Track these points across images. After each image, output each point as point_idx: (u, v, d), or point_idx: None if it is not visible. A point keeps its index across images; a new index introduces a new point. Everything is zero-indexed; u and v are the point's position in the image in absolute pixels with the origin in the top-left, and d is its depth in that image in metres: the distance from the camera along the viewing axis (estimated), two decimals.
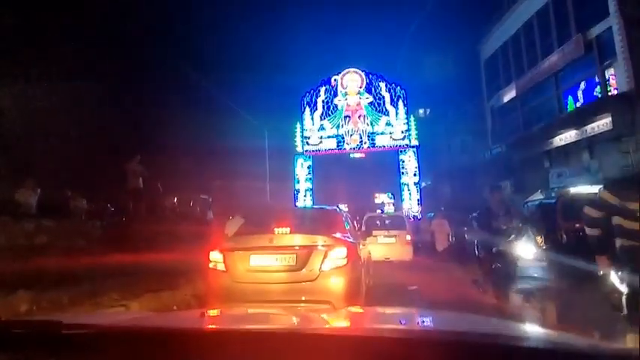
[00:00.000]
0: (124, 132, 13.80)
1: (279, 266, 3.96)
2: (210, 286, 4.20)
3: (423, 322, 1.62)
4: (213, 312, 1.77)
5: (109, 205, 9.63)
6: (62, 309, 3.66)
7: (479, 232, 5.07)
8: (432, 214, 13.92)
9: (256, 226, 4.47)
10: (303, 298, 3.77)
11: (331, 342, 1.05)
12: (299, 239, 4.06)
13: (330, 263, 3.92)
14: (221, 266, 4.04)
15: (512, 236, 4.62)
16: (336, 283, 3.90)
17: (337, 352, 0.98)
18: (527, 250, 5.30)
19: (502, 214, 4.70)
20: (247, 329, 1.25)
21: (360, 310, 2.54)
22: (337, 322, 1.66)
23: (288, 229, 4.24)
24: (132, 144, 11.78)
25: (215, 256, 4.10)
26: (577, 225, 6.46)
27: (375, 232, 10.43)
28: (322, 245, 3.97)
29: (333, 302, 3.72)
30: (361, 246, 5.24)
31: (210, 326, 1.39)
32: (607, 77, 13.91)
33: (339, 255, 3.97)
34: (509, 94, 19.95)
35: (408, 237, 10.86)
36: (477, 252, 6.57)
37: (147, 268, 5.34)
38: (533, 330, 1.63)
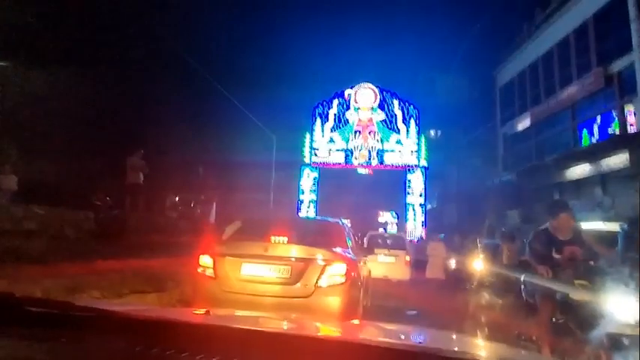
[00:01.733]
0: (138, 134, 13.68)
1: (272, 278, 3.69)
2: (196, 293, 3.93)
3: (420, 338, 1.63)
4: (220, 312, 1.80)
5: (108, 197, 9.47)
6: None
7: (532, 263, 3.71)
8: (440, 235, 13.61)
9: (252, 233, 4.21)
10: (294, 316, 3.46)
11: (323, 346, 1.06)
12: (296, 250, 3.79)
13: (328, 279, 3.64)
14: (210, 272, 3.77)
15: (592, 279, 3.09)
16: (332, 302, 3.61)
17: (328, 356, 0.99)
18: (622, 307, 2.94)
19: (567, 242, 3.46)
20: (250, 328, 1.26)
21: (356, 323, 2.45)
22: (331, 330, 1.66)
23: (285, 239, 3.98)
24: (141, 144, 11.69)
25: (204, 260, 3.83)
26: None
27: (376, 251, 10.54)
28: (320, 259, 3.70)
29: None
30: (361, 263, 4.96)
31: (216, 323, 1.40)
32: (625, 114, 13.64)
33: (337, 271, 3.69)
34: (523, 123, 19.70)
35: (408, 257, 11.13)
36: (524, 294, 4.63)
37: (136, 266, 5.10)
38: None
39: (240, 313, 2.07)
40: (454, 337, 1.72)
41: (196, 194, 13.34)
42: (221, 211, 13.47)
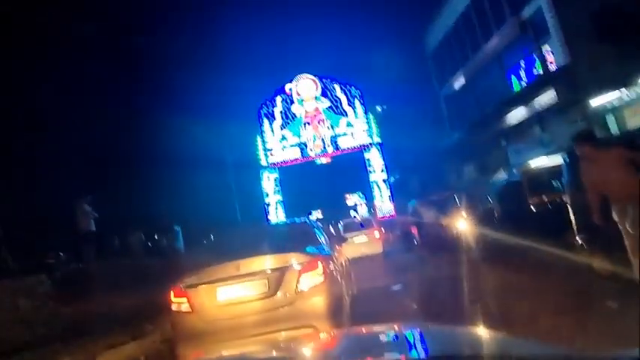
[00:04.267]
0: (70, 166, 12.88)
1: (251, 296, 3.60)
2: (176, 331, 3.74)
3: (414, 344, 1.55)
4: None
5: (60, 253, 8.84)
6: None
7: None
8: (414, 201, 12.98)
9: (220, 254, 4.09)
10: (283, 327, 3.42)
11: None
12: (269, 261, 3.72)
13: (307, 282, 3.60)
14: (185, 307, 3.60)
15: None
16: (316, 303, 3.57)
17: None
18: None
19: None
20: None
21: (344, 333, 2.37)
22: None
23: (255, 252, 3.92)
24: (81, 182, 10.99)
25: (177, 295, 3.67)
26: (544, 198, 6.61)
27: (351, 234, 11.87)
28: (295, 264, 3.67)
29: (316, 325, 3.43)
30: (337, 254, 4.99)
31: None
32: (544, 54, 14.64)
33: (314, 272, 3.67)
34: (459, 81, 20.61)
35: (377, 234, 12.76)
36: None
37: (108, 318, 4.80)
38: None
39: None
40: (452, 331, 1.70)
41: (158, 223, 12.77)
42: (188, 233, 13.02)
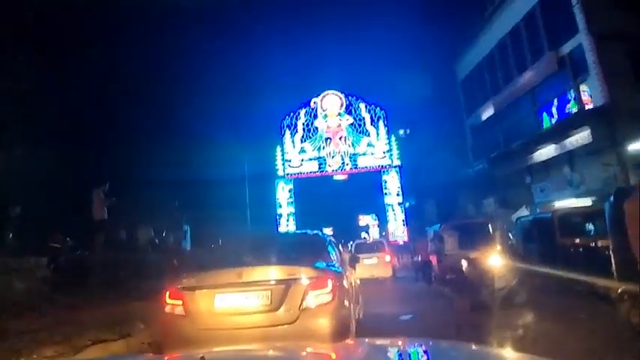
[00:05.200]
0: (91, 159, 13.04)
1: (251, 307, 3.29)
2: (166, 335, 3.44)
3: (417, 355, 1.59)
4: (211, 354, 1.56)
5: (67, 238, 8.71)
6: None
7: None
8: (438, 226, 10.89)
9: (223, 258, 3.80)
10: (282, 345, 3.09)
11: None
12: (274, 272, 3.41)
13: (313, 300, 3.27)
14: (179, 310, 3.33)
15: None
16: (320, 325, 3.23)
17: None
18: None
19: None
20: None
21: (347, 345, 2.29)
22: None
23: (261, 260, 3.62)
24: (100, 173, 11.03)
25: (172, 297, 3.40)
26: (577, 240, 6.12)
27: (361, 256, 10.88)
28: (302, 278, 3.35)
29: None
30: (348, 274, 4.64)
31: None
32: (580, 91, 14.14)
33: (322, 289, 3.33)
34: (487, 112, 20.17)
35: (387, 258, 13.09)
36: None
37: (100, 313, 4.55)
38: None
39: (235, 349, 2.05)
40: (451, 346, 1.74)
41: (168, 221, 12.64)
42: (197, 235, 12.86)
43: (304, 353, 1.71)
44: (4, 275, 4.70)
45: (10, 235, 7.40)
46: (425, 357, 1.57)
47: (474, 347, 1.78)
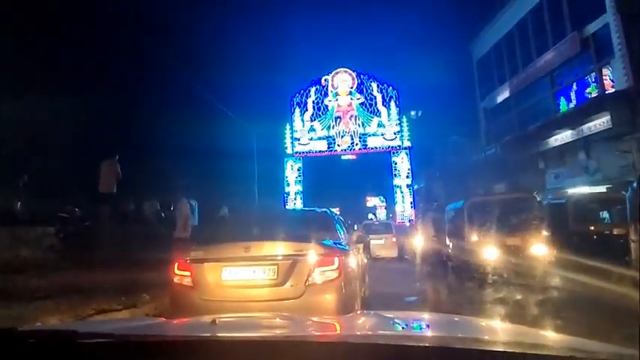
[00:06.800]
0: (101, 129, 13.06)
1: (257, 280, 3.31)
2: (174, 305, 3.52)
3: (419, 326, 1.65)
4: (222, 319, 1.63)
5: (76, 208, 8.79)
6: None
7: None
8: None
9: (232, 232, 3.78)
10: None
11: (322, 349, 1.08)
12: (281, 248, 3.40)
13: (319, 276, 3.28)
14: (187, 281, 3.38)
15: None
16: (326, 301, 3.25)
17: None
18: None
19: None
20: (251, 337, 1.28)
21: (353, 315, 2.39)
22: (328, 328, 1.64)
23: (268, 235, 3.59)
24: (110, 143, 11.04)
25: (180, 268, 3.42)
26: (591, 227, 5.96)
27: (370, 236, 10.90)
28: (309, 255, 3.32)
29: None
30: (355, 252, 4.59)
31: (220, 335, 1.34)
32: (602, 75, 13.58)
33: (329, 267, 3.33)
34: (502, 95, 19.60)
35: (394, 239, 13.65)
36: None
37: (106, 282, 4.59)
38: (546, 337, 1.57)
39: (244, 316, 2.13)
40: (456, 319, 1.76)
41: (176, 195, 12.71)
42: (204, 210, 12.89)
43: (310, 322, 1.74)
44: (11, 243, 4.74)
45: (19, 204, 7.47)
46: (428, 329, 1.60)
47: (479, 321, 1.81)
